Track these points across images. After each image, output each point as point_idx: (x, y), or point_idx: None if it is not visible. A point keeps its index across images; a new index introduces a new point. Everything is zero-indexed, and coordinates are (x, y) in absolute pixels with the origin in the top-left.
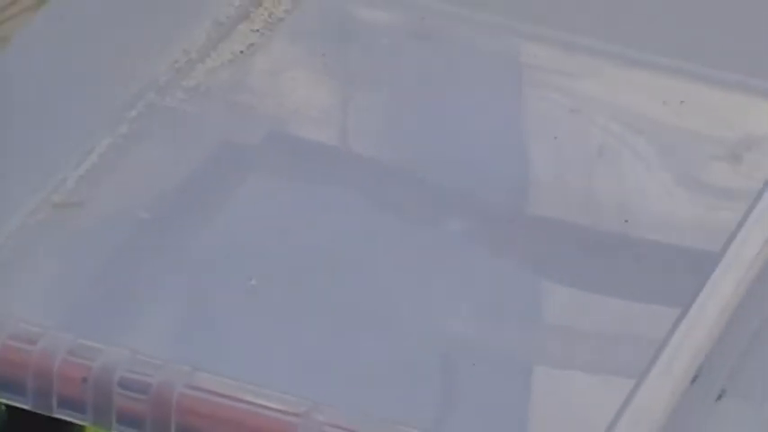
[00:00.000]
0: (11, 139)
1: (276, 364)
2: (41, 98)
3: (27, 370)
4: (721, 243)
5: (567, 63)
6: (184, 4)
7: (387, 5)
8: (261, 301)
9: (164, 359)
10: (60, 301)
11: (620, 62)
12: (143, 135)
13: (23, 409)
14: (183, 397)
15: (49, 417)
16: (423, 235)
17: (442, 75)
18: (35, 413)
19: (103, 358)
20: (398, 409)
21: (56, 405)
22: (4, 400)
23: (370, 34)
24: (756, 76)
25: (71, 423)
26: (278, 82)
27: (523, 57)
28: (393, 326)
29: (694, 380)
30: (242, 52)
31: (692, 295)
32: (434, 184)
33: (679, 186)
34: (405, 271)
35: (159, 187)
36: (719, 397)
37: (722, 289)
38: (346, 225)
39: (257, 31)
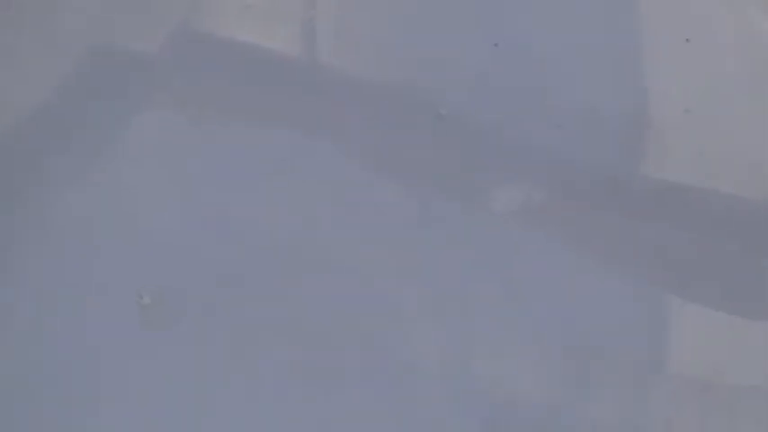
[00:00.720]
0: None
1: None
2: None
3: None
4: None
5: None
6: None
7: None
8: (158, 330)
9: None
10: None
11: None
12: None
13: None
14: None
15: None
16: (451, 219)
17: None
18: None
19: None
20: None
21: None
22: None
23: None
24: None
25: None
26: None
27: None
28: (395, 382)
29: None
30: None
31: None
32: (469, 130)
33: None
34: (414, 285)
35: None
36: None
37: None
38: (311, 200)
39: None
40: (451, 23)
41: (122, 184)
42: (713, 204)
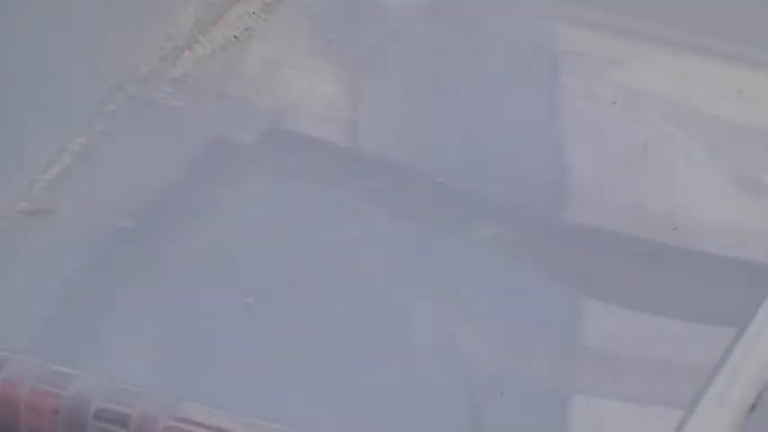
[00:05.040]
0: None
1: (274, 393)
2: (5, 90)
3: None
4: None
5: (607, 48)
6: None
7: None
8: (258, 320)
9: (145, 387)
10: (27, 322)
11: (669, 47)
12: (123, 132)
13: None
14: (168, 430)
15: None
16: (441, 246)
17: (462, 62)
18: None
19: (77, 386)
20: None
21: None
22: None
23: (380, 15)
24: None
25: None
26: (277, 72)
27: (555, 41)
28: (409, 349)
29: (752, 409)
30: (236, 38)
31: (750, 314)
32: (455, 187)
33: (735, 189)
34: (421, 287)
35: (142, 192)
36: None
37: None
38: (354, 234)
39: (253, 13)
40: (439, 122)
41: (230, 231)
42: (620, 239)
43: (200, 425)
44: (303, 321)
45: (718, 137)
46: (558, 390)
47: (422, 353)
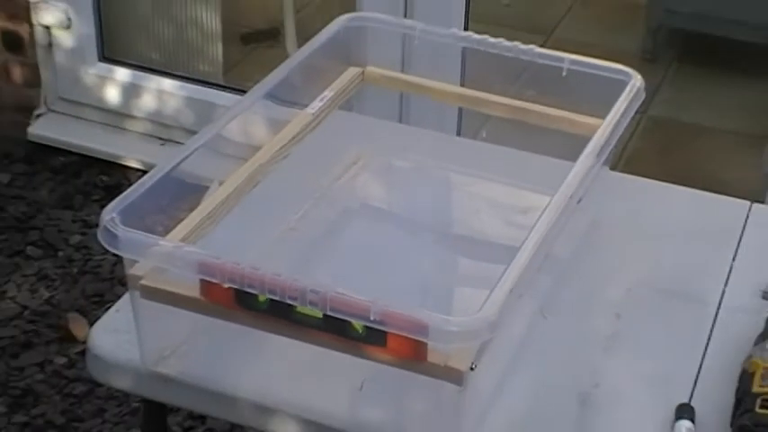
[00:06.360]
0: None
1: (358, 287)
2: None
3: (265, 286)
4: (521, 241)
5: (474, 183)
6: (329, 165)
7: (412, 159)
8: (360, 269)
9: (325, 284)
10: (284, 266)
11: (497, 183)
12: (310, 216)
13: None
14: (332, 296)
15: None
16: (416, 243)
17: (439, 190)
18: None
19: (304, 283)
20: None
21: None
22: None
23: (406, 171)
24: (535, 184)
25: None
26: (369, 189)
27: (460, 182)
28: (402, 268)
29: (510, 292)
30: (349, 180)
31: (508, 261)
32: (426, 225)
33: (506, 224)
34: (409, 255)
35: (318, 226)
36: (520, 296)
37: (522, 257)
38: (388, 237)
39: (357, 171)
40: (426, 207)
41: (352, 235)
42: (470, 238)
43: (340, 293)
44: (366, 264)
45: (505, 204)
46: (448, 280)
47: (408, 268)
